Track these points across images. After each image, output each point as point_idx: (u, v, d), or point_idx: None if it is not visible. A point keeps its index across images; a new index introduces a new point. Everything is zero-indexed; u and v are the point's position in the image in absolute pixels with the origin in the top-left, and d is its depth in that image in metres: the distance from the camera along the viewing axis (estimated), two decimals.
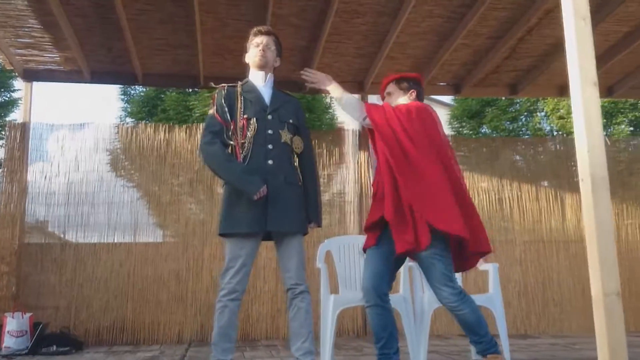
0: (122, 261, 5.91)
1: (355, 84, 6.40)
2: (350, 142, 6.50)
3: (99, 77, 6.06)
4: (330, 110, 9.68)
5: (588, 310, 6.42)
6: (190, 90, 9.32)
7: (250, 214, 2.94)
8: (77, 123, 6.22)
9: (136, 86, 10.25)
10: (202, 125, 6.09)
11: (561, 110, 9.06)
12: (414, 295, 4.07)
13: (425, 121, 3.19)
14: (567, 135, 8.48)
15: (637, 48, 5.81)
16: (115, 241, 5.98)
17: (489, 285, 4.15)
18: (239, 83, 3.20)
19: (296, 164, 3.21)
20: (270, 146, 3.07)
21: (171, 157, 6.22)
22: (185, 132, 6.30)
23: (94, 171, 6.13)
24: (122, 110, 10.88)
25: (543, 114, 9.74)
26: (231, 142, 3.05)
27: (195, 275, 6.00)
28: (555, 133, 9.53)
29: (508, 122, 10.11)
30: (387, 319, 3.11)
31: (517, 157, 6.91)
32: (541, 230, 6.63)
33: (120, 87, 10.80)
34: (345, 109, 3.32)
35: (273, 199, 2.98)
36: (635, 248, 6.69)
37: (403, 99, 3.40)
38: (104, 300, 5.81)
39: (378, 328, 3.11)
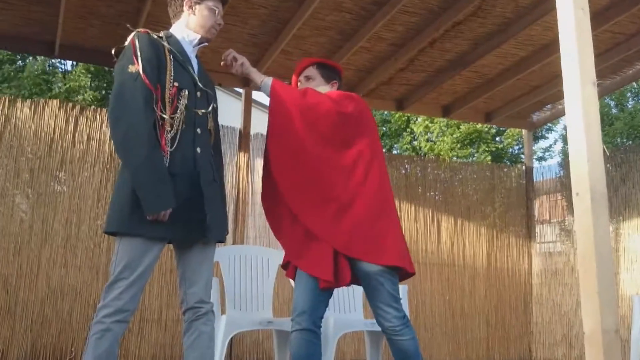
0: None
1: (240, 77, 5.73)
2: (227, 142, 5.78)
3: None
4: None
5: (457, 336, 6.31)
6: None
7: (176, 213, 2.21)
8: None
9: None
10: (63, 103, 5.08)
11: (430, 134, 9.10)
12: None
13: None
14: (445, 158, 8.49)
15: (526, 76, 5.82)
16: None
17: None
18: (163, 35, 2.43)
19: None
20: (199, 130, 2.37)
21: (8, 137, 5.06)
22: (30, 108, 5.17)
23: None
24: None
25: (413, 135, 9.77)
26: (163, 116, 2.25)
27: (28, 283, 4.89)
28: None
29: None
30: (316, 348, 2.55)
31: (396, 175, 6.64)
32: (417, 251, 6.41)
33: None
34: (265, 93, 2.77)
35: (207, 197, 2.30)
36: (502, 276, 6.71)
37: (324, 88, 2.90)
38: None
39: (304, 358, 2.51)
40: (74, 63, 12.28)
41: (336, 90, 2.91)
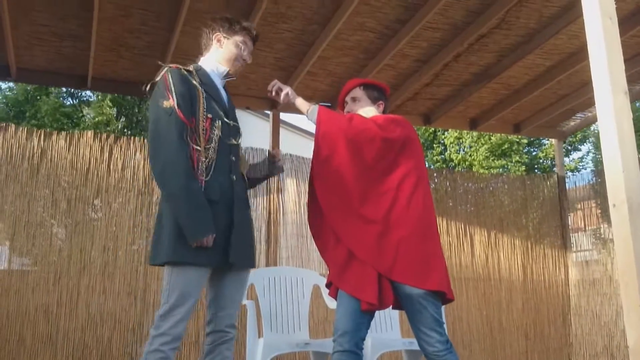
0: None
1: (267, 100, 5.82)
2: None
3: None
4: None
5: (496, 352, 6.23)
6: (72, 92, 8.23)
7: (218, 239, 2.29)
8: None
9: (7, 82, 8.93)
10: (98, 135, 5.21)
11: (461, 144, 9.04)
12: None
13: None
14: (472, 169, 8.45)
15: (553, 85, 5.78)
16: None
17: None
18: (192, 68, 2.52)
19: None
20: (233, 158, 2.46)
21: (46, 169, 5.20)
22: (65, 140, 5.31)
23: None
24: None
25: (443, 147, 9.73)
26: (197, 148, 2.33)
27: (69, 311, 4.99)
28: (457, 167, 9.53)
29: None
30: None
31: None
32: (451, 266, 6.36)
33: None
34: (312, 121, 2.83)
35: (238, 224, 2.38)
36: (539, 288, 6.62)
37: (370, 110, 2.93)
38: None
39: None
40: (94, 95, 12.48)
41: (382, 115, 2.92)
